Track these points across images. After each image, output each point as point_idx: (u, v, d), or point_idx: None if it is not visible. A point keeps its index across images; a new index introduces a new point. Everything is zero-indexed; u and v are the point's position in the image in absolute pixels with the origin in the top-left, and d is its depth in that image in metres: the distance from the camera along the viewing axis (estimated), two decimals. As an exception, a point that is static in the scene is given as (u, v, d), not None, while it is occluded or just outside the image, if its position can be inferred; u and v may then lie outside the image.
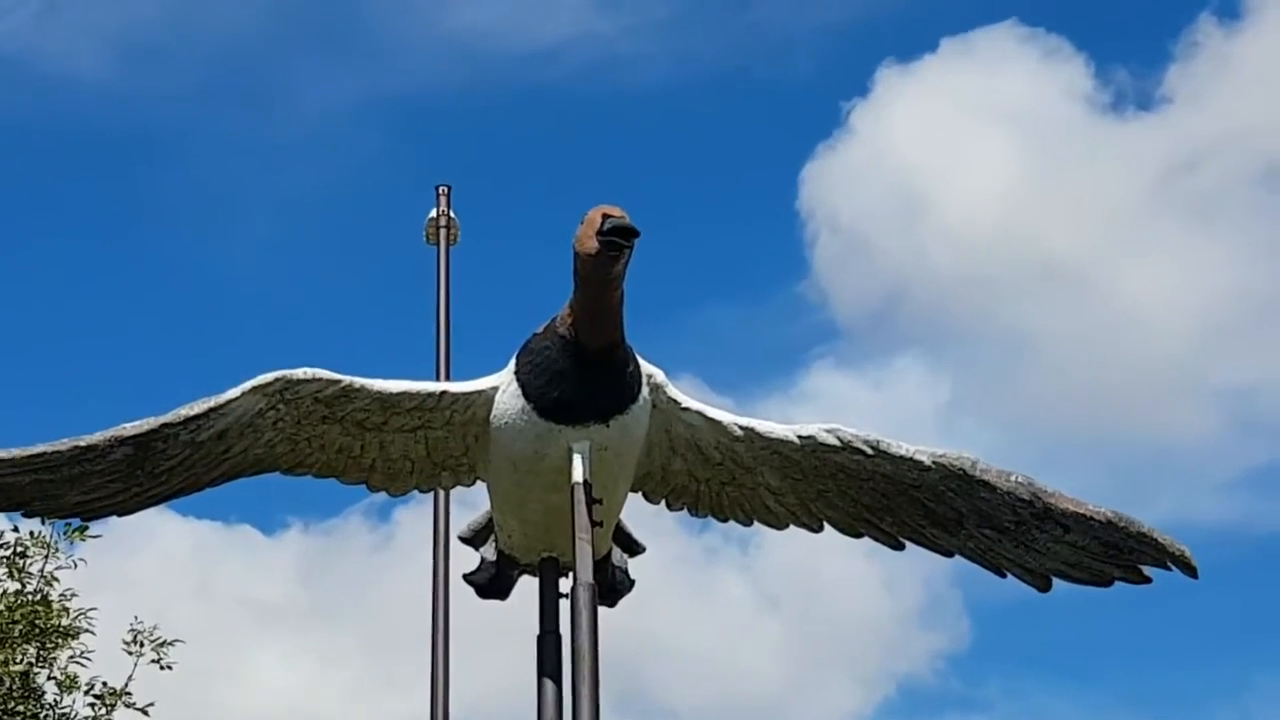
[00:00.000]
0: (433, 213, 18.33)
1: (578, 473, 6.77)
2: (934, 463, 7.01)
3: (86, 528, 15.21)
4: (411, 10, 38.15)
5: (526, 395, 6.79)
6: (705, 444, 7.12)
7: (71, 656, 15.74)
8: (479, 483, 7.26)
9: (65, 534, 15.70)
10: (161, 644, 15.98)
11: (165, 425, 6.81)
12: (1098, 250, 34.85)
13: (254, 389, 6.84)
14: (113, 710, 15.78)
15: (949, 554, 7.25)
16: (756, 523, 7.35)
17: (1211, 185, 34.67)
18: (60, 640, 15.62)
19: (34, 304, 35.63)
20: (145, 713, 15.79)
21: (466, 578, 7.79)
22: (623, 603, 7.68)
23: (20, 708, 15.39)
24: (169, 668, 16.00)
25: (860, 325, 37.66)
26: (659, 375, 7.02)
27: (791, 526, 7.34)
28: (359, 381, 6.96)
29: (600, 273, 6.53)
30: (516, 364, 6.87)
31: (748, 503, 7.27)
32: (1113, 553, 7.05)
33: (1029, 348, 35.39)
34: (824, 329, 38.25)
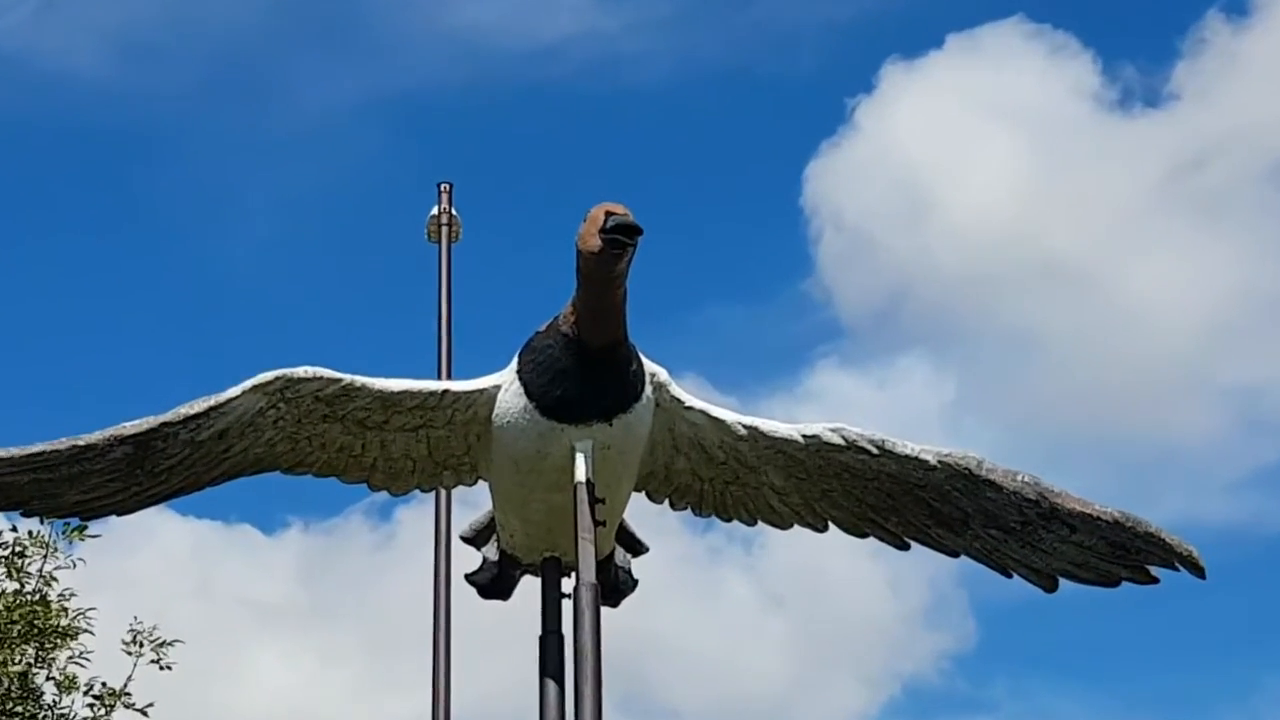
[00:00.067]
0: (434, 210, 18.30)
1: (580, 472, 6.74)
2: (939, 462, 6.98)
3: (85, 527, 15.18)
4: (413, 7, 38.16)
5: (529, 394, 6.75)
6: (709, 443, 7.08)
7: (70, 657, 15.72)
8: (481, 482, 7.24)
9: (64, 533, 15.69)
10: (161, 644, 15.97)
11: (165, 424, 6.78)
12: (1104, 248, 34.87)
13: (254, 388, 6.81)
14: (112, 711, 15.77)
15: (954, 554, 7.22)
16: (760, 522, 7.32)
17: (1219, 183, 34.69)
18: (59, 640, 15.60)
19: (33, 302, 35.63)
20: (144, 713, 15.78)
21: (468, 577, 7.76)
22: (626, 603, 7.65)
23: (19, 708, 15.36)
24: (168, 668, 16.00)
25: (864, 324, 37.69)
26: (662, 374, 6.98)
27: (796, 526, 7.31)
28: (360, 380, 6.93)
29: (603, 271, 6.50)
30: (519, 362, 6.84)
31: (752, 502, 7.24)
32: (1120, 553, 7.02)
33: (1034, 346, 35.40)
34: (828, 328, 38.27)
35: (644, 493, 7.24)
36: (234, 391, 6.80)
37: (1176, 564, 7.02)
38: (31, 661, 15.55)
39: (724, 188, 37.31)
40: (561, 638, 6.94)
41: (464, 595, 8.11)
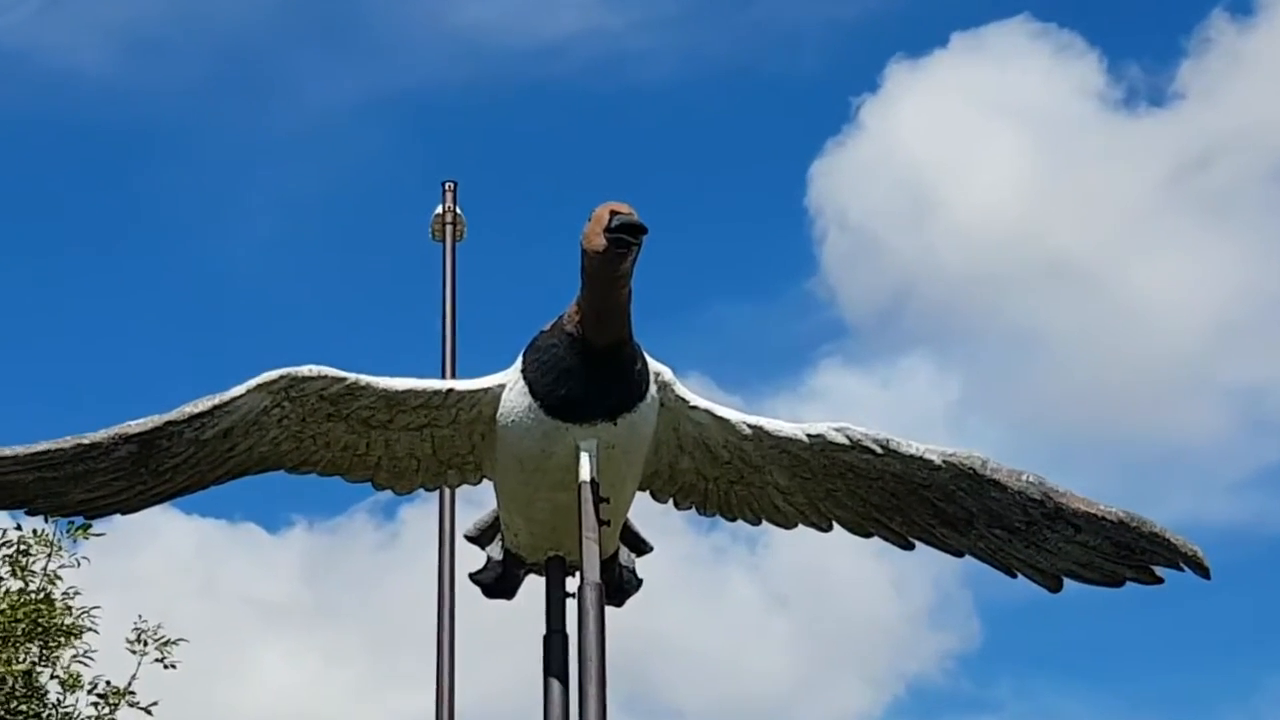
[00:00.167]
0: (438, 209, 18.26)
1: (585, 471, 6.73)
2: (944, 462, 6.97)
3: (90, 526, 15.18)
4: (416, 5, 38.20)
5: (533, 393, 6.75)
6: (713, 442, 7.08)
7: (75, 655, 15.73)
8: (485, 481, 7.23)
9: (68, 532, 15.70)
10: (165, 643, 15.98)
11: (170, 423, 6.78)
12: (1109, 248, 34.88)
13: (259, 386, 6.80)
14: (116, 709, 15.78)
15: (959, 554, 7.21)
16: (765, 522, 7.31)
17: (1224, 182, 34.70)
18: (63, 639, 15.61)
19: (37, 300, 35.66)
20: (149, 712, 15.79)
21: (472, 577, 7.75)
22: (630, 602, 7.65)
23: (23, 707, 15.37)
24: (173, 667, 16.02)
25: (869, 323, 37.71)
26: (667, 373, 6.98)
27: (800, 526, 7.30)
28: (365, 379, 6.92)
29: (608, 270, 6.49)
30: (523, 362, 6.83)
31: (756, 502, 7.23)
32: (1124, 553, 7.01)
33: (1039, 346, 35.41)
34: (832, 327, 38.33)
35: (648, 492, 7.23)
36: (238, 390, 6.80)
37: (1181, 564, 7.01)
38: (36, 660, 15.56)
39: (728, 186, 37.36)
40: (566, 637, 6.93)
41: (468, 594, 8.11)
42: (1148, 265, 34.88)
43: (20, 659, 15.33)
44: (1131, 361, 34.18)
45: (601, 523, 6.75)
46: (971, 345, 37.00)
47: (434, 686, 15.86)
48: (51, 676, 15.72)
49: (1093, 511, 6.96)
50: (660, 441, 7.03)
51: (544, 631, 7.04)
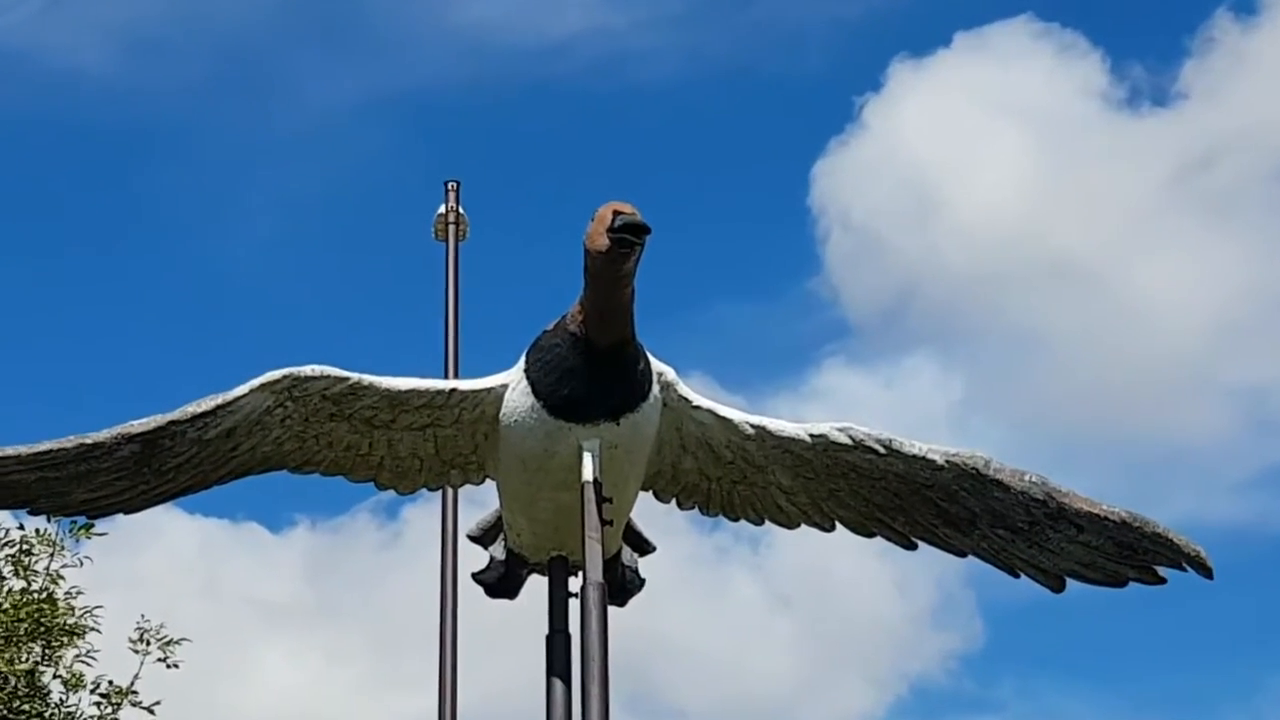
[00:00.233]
0: (441, 208, 18.26)
1: (588, 471, 6.73)
2: (947, 462, 6.97)
3: (92, 525, 15.16)
4: (418, 4, 38.19)
5: (536, 393, 6.75)
6: (716, 442, 7.08)
7: (77, 655, 15.71)
8: (488, 481, 7.23)
9: (71, 532, 15.69)
10: (168, 642, 15.96)
11: (172, 423, 6.78)
12: (1112, 247, 34.89)
13: (262, 386, 6.80)
14: (119, 709, 15.77)
15: (962, 554, 7.21)
16: (768, 522, 7.31)
17: (1227, 182, 34.69)
18: (66, 639, 15.60)
19: (38, 300, 35.65)
20: (151, 711, 15.78)
21: (475, 576, 7.75)
22: (633, 602, 7.65)
23: (26, 707, 15.36)
24: (175, 666, 15.99)
25: (872, 323, 37.68)
26: (669, 373, 6.98)
27: (803, 526, 7.30)
28: (367, 379, 6.92)
29: (611, 270, 6.49)
30: (526, 361, 6.83)
31: (759, 502, 7.23)
32: (1127, 553, 7.01)
33: (1042, 346, 35.40)
34: (835, 326, 38.32)
35: (651, 492, 7.23)
36: (241, 390, 6.80)
37: (1184, 564, 7.01)
38: (38, 660, 15.55)
39: (732, 186, 37.36)
40: (568, 637, 6.93)
41: (471, 594, 8.11)
42: (1151, 265, 34.91)
43: (23, 659, 15.32)
44: (1134, 361, 34.20)
45: (604, 522, 6.75)
46: (974, 345, 37.03)
47: (436, 686, 15.87)
48: (54, 676, 15.71)
49: (1095, 511, 6.96)
50: (663, 441, 7.03)
51: (546, 631, 7.04)
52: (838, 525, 7.26)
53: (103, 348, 36.27)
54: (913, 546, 7.25)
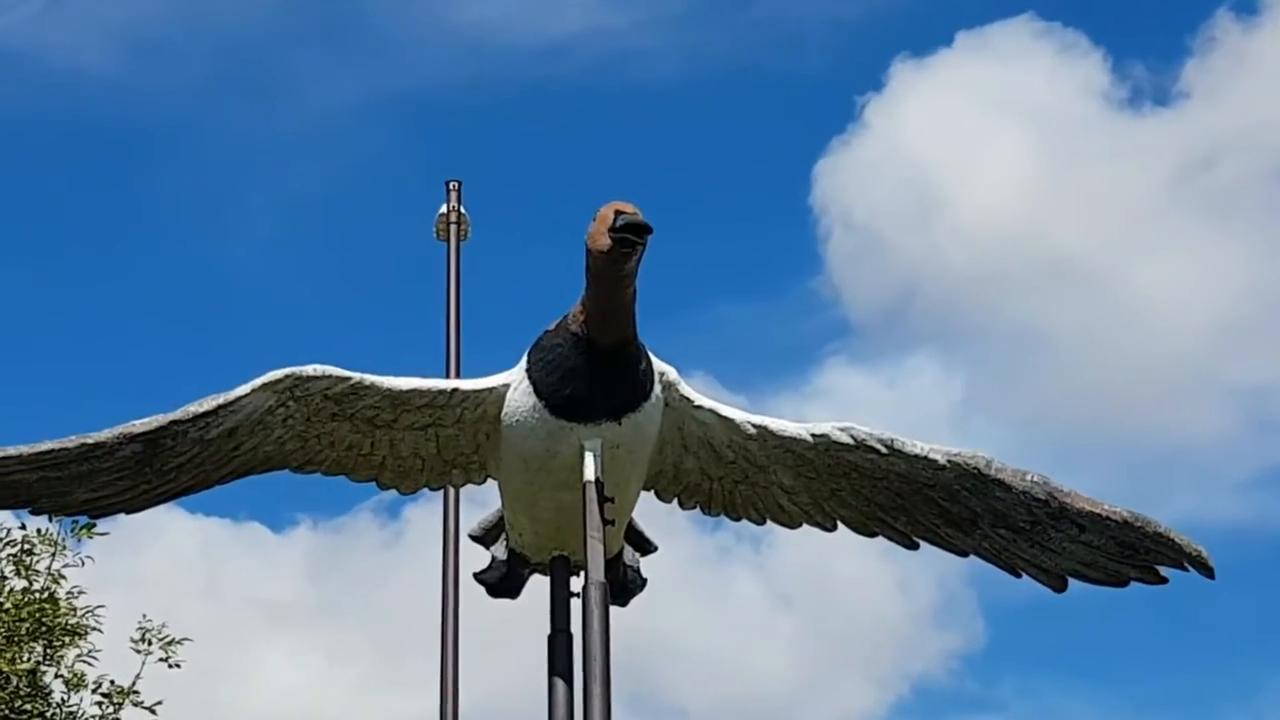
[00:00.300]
0: (443, 208, 18.23)
1: (589, 471, 6.73)
2: (949, 461, 6.97)
3: (94, 525, 15.15)
4: (419, 4, 38.16)
5: (538, 393, 6.75)
6: (718, 442, 7.08)
7: (79, 655, 15.71)
8: (490, 481, 7.23)
9: (73, 531, 15.68)
10: (169, 642, 15.95)
11: (174, 422, 6.78)
12: (1113, 247, 34.88)
13: (264, 386, 6.80)
14: (120, 709, 15.76)
15: (964, 554, 7.21)
16: (769, 521, 7.31)
17: (1228, 182, 34.67)
18: (68, 638, 15.60)
19: (38, 300, 35.65)
20: (153, 711, 15.77)
21: (477, 576, 7.75)
22: (634, 602, 7.65)
23: (28, 706, 15.36)
24: (177, 666, 15.98)
25: (873, 322, 37.67)
26: (671, 373, 6.98)
27: (805, 525, 7.30)
28: (369, 379, 6.92)
29: (613, 270, 6.49)
30: (528, 361, 6.83)
31: (761, 501, 7.23)
32: (1129, 553, 7.01)
33: (1043, 345, 35.40)
34: (837, 326, 38.34)
35: (653, 491, 7.23)
36: (243, 389, 6.80)
37: (1185, 564, 7.01)
38: (40, 659, 15.55)
39: (733, 185, 37.36)
40: (570, 636, 6.93)
41: (472, 594, 8.10)
42: (1152, 265, 34.91)
43: (25, 658, 15.32)
44: (1135, 361, 34.20)
45: (606, 522, 6.75)
46: (976, 344, 37.02)
47: (438, 686, 15.85)
48: (56, 676, 15.70)
49: (1097, 511, 6.96)
50: (665, 441, 7.03)
51: (548, 631, 7.04)
52: (839, 525, 7.27)
53: (104, 348, 36.28)
54: (914, 546, 7.25)
